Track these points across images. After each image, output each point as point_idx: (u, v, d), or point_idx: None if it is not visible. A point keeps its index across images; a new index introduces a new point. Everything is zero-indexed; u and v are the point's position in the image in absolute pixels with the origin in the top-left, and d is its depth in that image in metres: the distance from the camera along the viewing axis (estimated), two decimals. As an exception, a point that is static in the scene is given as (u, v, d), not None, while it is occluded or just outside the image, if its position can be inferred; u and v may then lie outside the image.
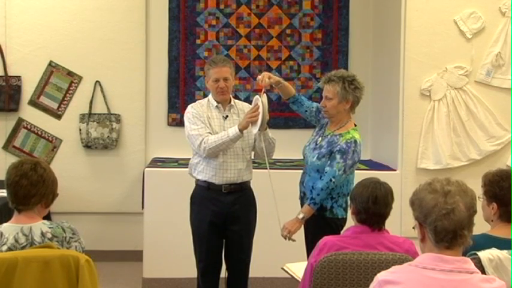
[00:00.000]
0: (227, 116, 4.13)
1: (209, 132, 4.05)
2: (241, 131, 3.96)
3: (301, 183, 4.09)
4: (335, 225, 3.91)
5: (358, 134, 3.95)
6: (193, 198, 4.22)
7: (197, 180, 4.19)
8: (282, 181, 5.35)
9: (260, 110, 3.91)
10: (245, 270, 4.27)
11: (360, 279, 2.96)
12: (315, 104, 4.19)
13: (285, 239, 3.94)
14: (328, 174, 3.83)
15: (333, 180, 3.82)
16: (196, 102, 4.27)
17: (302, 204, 4.05)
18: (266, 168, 4.00)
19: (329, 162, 3.86)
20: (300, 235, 4.12)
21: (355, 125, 4.02)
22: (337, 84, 3.89)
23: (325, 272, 2.97)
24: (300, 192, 4.11)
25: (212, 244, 4.17)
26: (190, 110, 4.15)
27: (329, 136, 3.96)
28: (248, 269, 4.28)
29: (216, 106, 4.13)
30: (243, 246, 4.21)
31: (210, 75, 4.10)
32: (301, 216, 3.90)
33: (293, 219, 3.92)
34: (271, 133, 4.19)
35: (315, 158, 3.94)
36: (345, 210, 3.94)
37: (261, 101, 3.92)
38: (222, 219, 4.13)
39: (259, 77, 4.05)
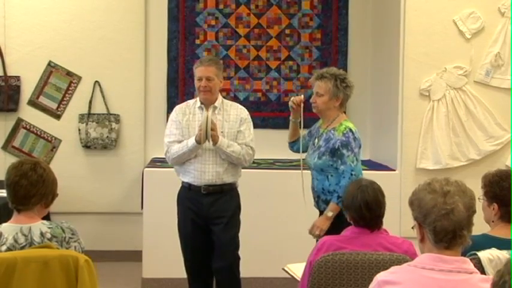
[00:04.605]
0: None
1: (180, 141, 4.13)
2: (198, 142, 4.03)
3: (312, 189, 4.09)
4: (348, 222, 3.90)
5: (351, 123, 4.00)
6: (178, 198, 4.31)
7: (182, 181, 4.27)
8: (282, 181, 5.36)
9: (202, 124, 3.98)
10: (230, 272, 4.24)
11: (357, 280, 2.97)
12: (305, 132, 4.23)
13: (315, 237, 3.93)
14: (346, 171, 3.85)
15: (353, 173, 3.85)
16: (184, 102, 4.39)
17: (318, 208, 4.05)
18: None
19: (339, 161, 3.87)
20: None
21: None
22: (329, 81, 3.94)
23: (322, 272, 2.97)
24: (314, 198, 4.09)
25: (196, 244, 4.21)
26: (172, 113, 4.30)
27: (324, 134, 3.99)
28: (235, 272, 4.26)
29: (199, 107, 4.18)
30: (223, 246, 4.20)
31: (195, 74, 4.20)
32: (330, 214, 3.90)
33: (322, 217, 3.91)
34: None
35: (316, 158, 3.96)
36: None
37: (205, 115, 3.98)
38: (203, 219, 4.19)
39: (296, 99, 4.09)
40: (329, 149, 3.90)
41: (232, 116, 4.20)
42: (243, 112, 4.26)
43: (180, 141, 4.14)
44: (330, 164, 3.91)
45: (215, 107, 4.19)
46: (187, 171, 4.20)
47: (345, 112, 4.12)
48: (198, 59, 6.03)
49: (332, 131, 3.95)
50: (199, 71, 4.16)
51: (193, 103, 4.26)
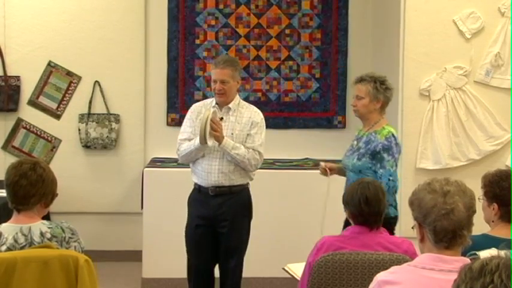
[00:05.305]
0: (222, 118, 4.15)
1: (191, 139, 4.11)
2: None
3: None
4: (388, 224, 3.88)
5: (392, 128, 4.02)
6: (188, 200, 4.30)
7: (194, 183, 4.26)
8: (282, 181, 5.37)
9: (201, 124, 3.96)
10: (233, 273, 4.23)
11: (357, 279, 2.97)
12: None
13: None
14: (384, 175, 3.85)
15: (391, 178, 3.86)
16: (202, 101, 4.43)
17: None
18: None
19: (378, 164, 3.88)
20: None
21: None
22: (369, 84, 3.97)
23: (322, 272, 2.97)
24: None
25: (199, 245, 4.19)
26: (189, 109, 4.31)
27: (365, 136, 4.01)
28: (238, 272, 4.26)
29: (214, 106, 4.18)
30: (230, 249, 4.20)
31: (211, 73, 4.20)
32: None
33: None
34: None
35: (355, 159, 3.98)
36: (396, 208, 3.94)
37: (204, 116, 3.96)
38: (210, 221, 4.16)
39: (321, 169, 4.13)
40: (369, 151, 3.92)
41: (245, 118, 4.17)
42: (257, 116, 4.22)
43: (191, 139, 4.13)
44: (369, 166, 3.92)
45: (229, 108, 4.17)
46: (196, 172, 4.20)
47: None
48: (198, 59, 6.07)
49: (374, 134, 3.97)
50: (214, 73, 4.14)
51: (210, 102, 4.25)
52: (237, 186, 4.16)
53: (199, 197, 4.19)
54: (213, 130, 3.97)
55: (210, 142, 4.00)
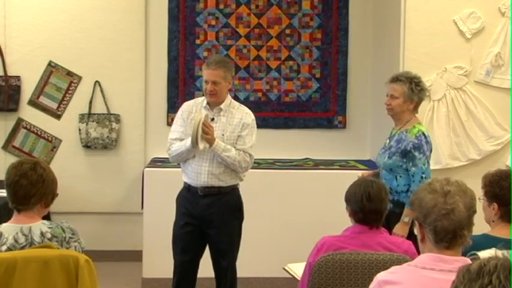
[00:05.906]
0: (213, 119, 4.14)
1: (182, 139, 4.11)
2: None
3: None
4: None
5: (423, 127, 4.09)
6: (177, 198, 4.30)
7: (184, 182, 4.26)
8: (282, 181, 5.37)
9: (193, 128, 3.95)
10: (226, 274, 4.22)
11: (358, 279, 2.97)
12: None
13: None
14: (417, 173, 3.92)
15: (424, 176, 3.92)
16: (194, 99, 4.42)
17: None
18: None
19: (410, 163, 3.94)
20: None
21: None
22: (404, 85, 4.04)
23: (323, 272, 2.97)
24: None
25: (186, 244, 4.19)
26: (180, 108, 4.31)
27: (396, 135, 4.09)
28: (231, 274, 4.24)
29: (205, 106, 4.18)
30: (219, 250, 4.20)
31: (203, 74, 4.21)
32: (407, 219, 3.94)
33: (400, 224, 3.94)
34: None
35: (386, 158, 4.06)
36: None
37: (196, 120, 3.96)
38: (198, 221, 4.16)
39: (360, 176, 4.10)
40: (400, 150, 3.99)
41: (236, 119, 4.16)
42: (248, 117, 4.19)
43: (182, 139, 4.12)
44: (399, 164, 3.99)
45: (220, 109, 4.16)
46: (186, 172, 4.21)
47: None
48: (199, 59, 6.06)
49: (405, 133, 4.04)
50: (205, 74, 4.13)
51: (202, 101, 4.23)
52: (226, 187, 4.16)
53: (188, 195, 4.19)
54: (204, 133, 3.96)
55: (202, 146, 3.99)
